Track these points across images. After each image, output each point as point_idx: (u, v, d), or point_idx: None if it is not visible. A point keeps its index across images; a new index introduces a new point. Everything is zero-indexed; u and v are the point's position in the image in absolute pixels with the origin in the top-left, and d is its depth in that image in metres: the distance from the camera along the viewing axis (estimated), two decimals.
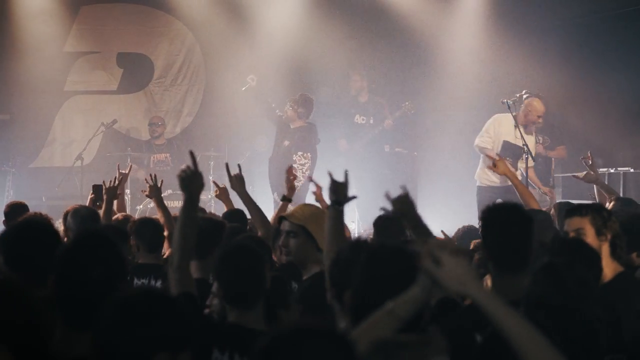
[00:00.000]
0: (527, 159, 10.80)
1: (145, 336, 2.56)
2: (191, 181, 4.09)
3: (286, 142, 12.55)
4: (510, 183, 7.99)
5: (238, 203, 7.26)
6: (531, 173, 11.21)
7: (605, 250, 4.89)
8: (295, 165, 12.24)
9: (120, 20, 14.61)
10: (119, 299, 2.67)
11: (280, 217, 5.60)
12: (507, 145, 11.19)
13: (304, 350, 2.28)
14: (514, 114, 11.10)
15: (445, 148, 13.99)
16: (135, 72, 14.72)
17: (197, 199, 4.13)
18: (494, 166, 7.84)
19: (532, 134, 11.31)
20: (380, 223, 6.55)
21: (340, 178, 4.62)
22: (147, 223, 6.54)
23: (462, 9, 14.28)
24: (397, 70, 14.34)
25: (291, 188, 7.69)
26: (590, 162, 8.63)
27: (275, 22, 14.37)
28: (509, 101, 10.93)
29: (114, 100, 14.66)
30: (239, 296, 4.07)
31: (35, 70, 14.10)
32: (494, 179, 11.15)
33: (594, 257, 4.42)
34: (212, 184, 8.15)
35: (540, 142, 11.89)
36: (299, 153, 12.46)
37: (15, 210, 7.67)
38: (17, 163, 13.44)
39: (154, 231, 6.40)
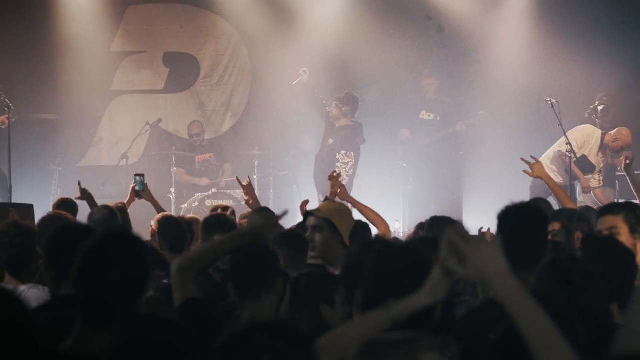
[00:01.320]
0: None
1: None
2: (265, 230, 4.11)
3: (331, 141, 12.51)
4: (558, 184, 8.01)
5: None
6: (599, 193, 11.85)
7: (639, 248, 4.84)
8: (338, 164, 12.23)
9: (167, 20, 14.68)
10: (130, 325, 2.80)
11: (306, 213, 5.59)
12: (583, 159, 11.41)
13: (257, 345, 2.32)
14: (603, 132, 11.78)
15: (492, 147, 13.87)
16: (182, 72, 14.78)
17: (251, 240, 4.11)
18: (531, 170, 7.70)
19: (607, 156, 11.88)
20: (430, 223, 6.48)
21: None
22: (170, 222, 6.49)
23: (509, 8, 14.15)
24: (445, 68, 14.20)
25: (333, 192, 7.63)
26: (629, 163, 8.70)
27: (322, 21, 14.34)
28: (552, 100, 10.99)
29: (161, 100, 14.74)
30: (247, 286, 4.07)
31: (83, 70, 14.23)
32: (552, 176, 11.37)
33: (629, 256, 4.33)
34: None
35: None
36: (342, 152, 12.41)
37: (65, 206, 7.66)
38: (64, 162, 13.57)
39: (179, 231, 6.34)
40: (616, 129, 11.85)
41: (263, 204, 12.10)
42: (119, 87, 14.58)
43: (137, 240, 3.23)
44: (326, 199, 7.50)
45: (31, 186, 12.94)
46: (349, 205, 7.02)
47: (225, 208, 8.26)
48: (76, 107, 14.26)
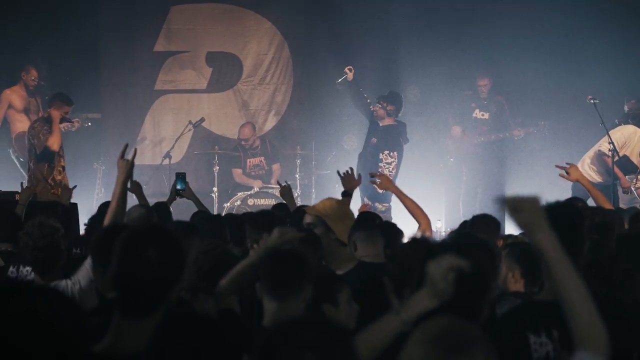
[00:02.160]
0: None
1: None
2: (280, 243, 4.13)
3: (374, 140, 12.48)
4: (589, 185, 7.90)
5: None
6: None
7: None
8: (381, 164, 12.19)
9: (209, 20, 14.74)
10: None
11: (301, 209, 5.58)
12: (624, 159, 11.40)
13: (300, 342, 2.32)
14: None
15: (536, 148, 13.78)
16: (224, 71, 14.83)
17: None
18: (567, 174, 7.57)
19: None
20: (473, 221, 6.45)
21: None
22: (204, 218, 6.49)
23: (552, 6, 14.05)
24: (488, 67, 14.07)
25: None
26: None
27: (364, 19, 14.30)
28: (595, 100, 10.98)
29: (204, 99, 14.80)
30: (274, 288, 4.07)
31: (126, 70, 14.35)
32: (592, 176, 11.37)
33: None
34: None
35: None
36: (386, 152, 12.37)
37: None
38: (107, 161, 13.68)
39: (211, 226, 6.31)
40: None
41: (305, 202, 12.17)
42: (162, 87, 14.66)
43: (173, 231, 3.26)
44: (344, 193, 7.49)
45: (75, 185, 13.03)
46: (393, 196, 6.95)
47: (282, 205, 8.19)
48: (119, 106, 14.41)
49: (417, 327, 2.42)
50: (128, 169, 5.06)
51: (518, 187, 13.42)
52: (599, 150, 11.67)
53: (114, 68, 14.39)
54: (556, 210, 4.30)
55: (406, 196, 6.71)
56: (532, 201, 2.93)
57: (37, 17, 13.69)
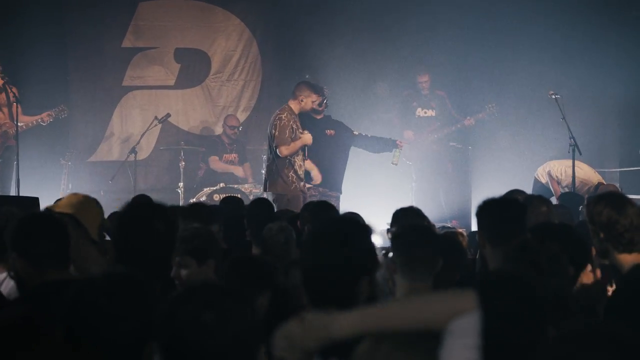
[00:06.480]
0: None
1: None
2: None
3: (331, 132, 11.85)
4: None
5: None
6: None
7: None
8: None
9: (178, 16, 14.76)
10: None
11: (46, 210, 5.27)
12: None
13: (198, 303, 2.36)
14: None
15: (499, 144, 13.86)
16: (193, 68, 14.84)
17: None
18: None
19: None
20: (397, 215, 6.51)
21: None
22: None
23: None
24: (453, 64, 14.14)
25: None
26: None
27: (328, 13, 14.35)
28: (556, 95, 11.07)
29: (172, 96, 14.80)
30: None
31: (94, 66, 14.34)
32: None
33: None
34: None
35: None
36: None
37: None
38: (74, 157, 13.63)
39: None
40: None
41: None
42: (130, 83, 14.65)
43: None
44: None
45: (40, 180, 13.00)
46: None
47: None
48: (87, 102, 14.38)
49: None
50: None
51: (484, 180, 13.52)
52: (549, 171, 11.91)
53: (81, 64, 14.37)
54: (499, 204, 4.47)
55: None
56: (297, 329, 2.65)
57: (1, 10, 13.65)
